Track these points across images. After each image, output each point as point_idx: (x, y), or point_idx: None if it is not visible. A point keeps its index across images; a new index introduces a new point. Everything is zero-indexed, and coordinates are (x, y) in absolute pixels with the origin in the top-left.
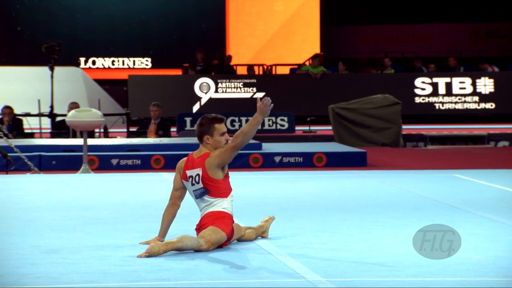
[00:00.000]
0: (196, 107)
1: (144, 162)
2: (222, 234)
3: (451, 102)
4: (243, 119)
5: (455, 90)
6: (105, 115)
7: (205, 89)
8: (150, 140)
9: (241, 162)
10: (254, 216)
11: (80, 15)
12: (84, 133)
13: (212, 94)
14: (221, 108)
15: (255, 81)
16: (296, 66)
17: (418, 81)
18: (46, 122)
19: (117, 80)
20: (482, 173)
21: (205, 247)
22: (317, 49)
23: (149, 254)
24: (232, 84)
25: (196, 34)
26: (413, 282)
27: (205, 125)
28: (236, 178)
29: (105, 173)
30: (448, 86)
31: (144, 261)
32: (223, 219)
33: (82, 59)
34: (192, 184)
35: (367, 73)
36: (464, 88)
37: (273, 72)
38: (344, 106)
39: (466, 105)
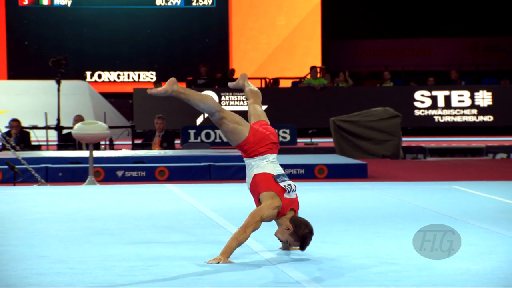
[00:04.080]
0: (199, 120)
1: (148, 173)
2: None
3: (450, 115)
4: None
5: (454, 103)
6: (110, 127)
7: None
8: (155, 152)
9: (244, 174)
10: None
11: (86, 30)
12: (90, 146)
13: None
14: None
15: None
16: (298, 80)
17: (417, 94)
18: (53, 135)
19: (122, 93)
20: (481, 185)
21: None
22: (318, 63)
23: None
24: (235, 97)
25: (200, 48)
26: None
27: (302, 229)
28: (239, 190)
29: (111, 185)
30: (447, 99)
31: (149, 270)
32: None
33: (88, 73)
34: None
35: (368, 87)
36: (463, 101)
37: (276, 85)
38: (345, 119)
39: (464, 118)
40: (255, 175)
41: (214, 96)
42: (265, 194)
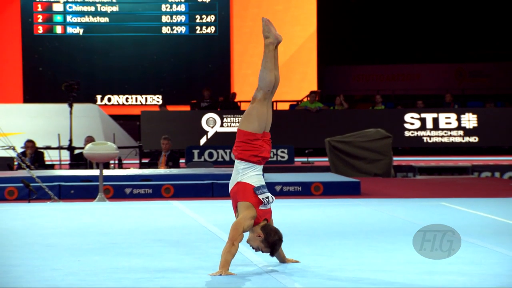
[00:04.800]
0: (203, 140)
1: (155, 191)
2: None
3: (438, 136)
4: None
5: (442, 125)
6: (119, 147)
7: (212, 124)
8: (161, 171)
9: None
10: None
11: (97, 57)
12: (100, 165)
13: (218, 128)
14: (226, 141)
15: None
16: (295, 102)
17: (407, 117)
18: (65, 155)
19: (130, 115)
20: (467, 202)
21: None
22: (314, 87)
23: None
24: (237, 119)
25: (203, 73)
26: None
27: (272, 236)
28: None
29: (119, 201)
30: (435, 121)
31: (155, 282)
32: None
33: (99, 96)
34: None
35: (361, 109)
36: (450, 123)
37: (274, 108)
38: (340, 139)
39: (451, 139)
40: (238, 182)
41: (216, 116)
42: (242, 204)
